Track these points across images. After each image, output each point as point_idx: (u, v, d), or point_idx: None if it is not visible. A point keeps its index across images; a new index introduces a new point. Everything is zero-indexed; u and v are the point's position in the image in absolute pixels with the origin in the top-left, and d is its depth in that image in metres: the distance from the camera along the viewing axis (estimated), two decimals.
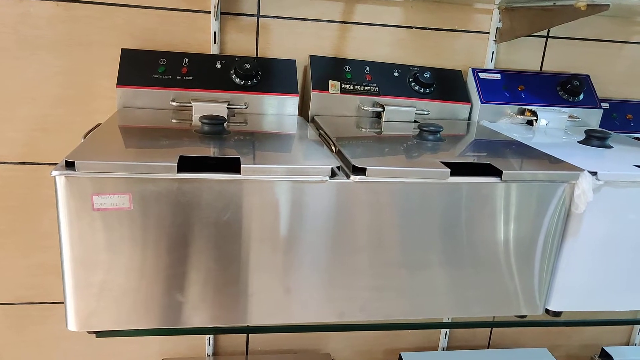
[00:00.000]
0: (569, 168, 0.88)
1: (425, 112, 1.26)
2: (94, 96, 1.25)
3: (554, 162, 0.92)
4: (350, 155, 0.87)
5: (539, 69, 1.41)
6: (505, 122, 1.30)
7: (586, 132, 1.10)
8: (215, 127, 0.95)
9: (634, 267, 0.95)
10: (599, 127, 1.35)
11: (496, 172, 0.85)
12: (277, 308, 0.84)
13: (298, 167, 0.78)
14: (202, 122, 0.95)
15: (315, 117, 1.22)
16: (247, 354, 1.55)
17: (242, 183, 0.77)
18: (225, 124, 0.97)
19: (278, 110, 1.22)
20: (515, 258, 0.90)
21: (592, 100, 1.34)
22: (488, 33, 1.36)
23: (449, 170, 0.82)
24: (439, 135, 1.04)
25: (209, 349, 1.50)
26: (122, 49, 1.18)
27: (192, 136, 0.93)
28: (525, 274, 0.91)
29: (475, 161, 0.88)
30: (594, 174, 0.87)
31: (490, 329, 1.65)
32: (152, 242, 0.77)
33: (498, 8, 1.32)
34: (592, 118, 1.34)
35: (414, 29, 1.33)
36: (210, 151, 0.83)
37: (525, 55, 1.40)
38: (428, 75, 1.27)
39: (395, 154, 0.91)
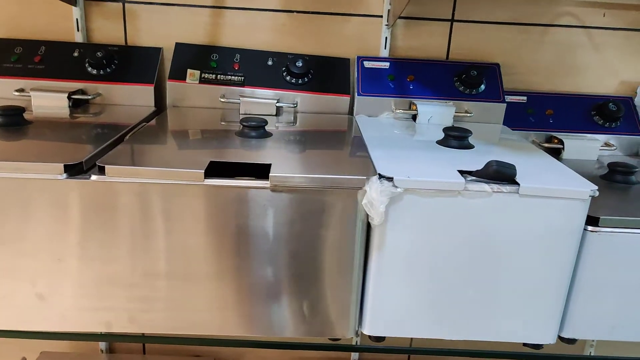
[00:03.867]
0: (358, 172, 0.75)
1: (292, 105, 1.15)
2: None
3: (355, 165, 0.79)
4: (118, 151, 0.79)
5: (445, 57, 1.25)
6: (386, 116, 1.16)
7: (444, 130, 0.95)
8: (10, 119, 0.90)
9: (459, 291, 0.80)
10: (504, 123, 1.17)
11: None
12: (27, 313, 0.78)
13: (26, 163, 0.71)
14: None
15: (173, 107, 1.15)
16: (144, 352, 1.51)
17: None
18: (24, 114, 0.92)
19: (133, 101, 1.15)
20: (302, 274, 0.78)
21: (494, 93, 1.17)
22: (381, 17, 1.22)
23: (202, 171, 0.72)
24: (262, 131, 0.93)
25: (102, 345, 1.47)
26: None
27: None
28: (320, 293, 0.79)
29: (245, 161, 0.77)
30: (390, 179, 0.74)
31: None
32: None
33: None
34: (494, 113, 1.16)
35: (295, 13, 1.22)
36: None
37: (430, 42, 1.24)
38: (300, 64, 1.16)
39: (180, 152, 0.82)
